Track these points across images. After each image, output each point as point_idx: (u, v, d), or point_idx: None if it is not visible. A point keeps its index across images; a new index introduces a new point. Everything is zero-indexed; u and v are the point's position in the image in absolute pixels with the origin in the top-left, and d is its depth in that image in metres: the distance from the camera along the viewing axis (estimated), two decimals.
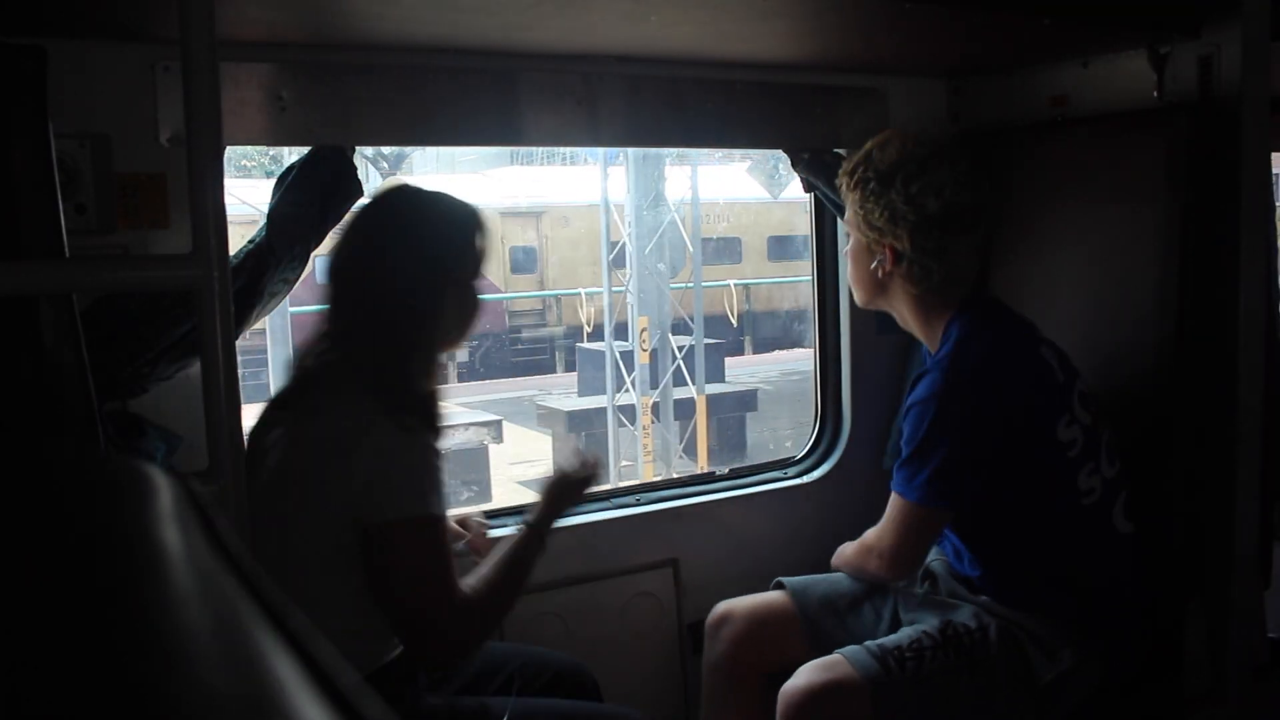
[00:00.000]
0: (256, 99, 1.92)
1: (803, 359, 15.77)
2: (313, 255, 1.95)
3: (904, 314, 2.05)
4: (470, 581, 1.65)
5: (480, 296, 1.73)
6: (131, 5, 1.67)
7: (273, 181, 2.05)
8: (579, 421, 12.31)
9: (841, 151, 2.53)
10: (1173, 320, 2.11)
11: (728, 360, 15.58)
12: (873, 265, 1.98)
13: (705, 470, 10.06)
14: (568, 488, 1.79)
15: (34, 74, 1.44)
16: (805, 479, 2.67)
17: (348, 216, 1.71)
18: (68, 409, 1.47)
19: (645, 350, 11.12)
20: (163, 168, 1.85)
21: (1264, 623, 2.31)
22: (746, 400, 13.30)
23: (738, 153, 14.35)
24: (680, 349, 12.16)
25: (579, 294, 11.96)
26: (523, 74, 2.16)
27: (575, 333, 12.30)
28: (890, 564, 1.97)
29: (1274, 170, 2.38)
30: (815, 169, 2.53)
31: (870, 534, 2.03)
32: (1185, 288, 2.11)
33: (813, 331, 2.79)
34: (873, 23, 2.13)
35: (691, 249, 11.53)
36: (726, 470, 2.74)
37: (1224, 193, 2.09)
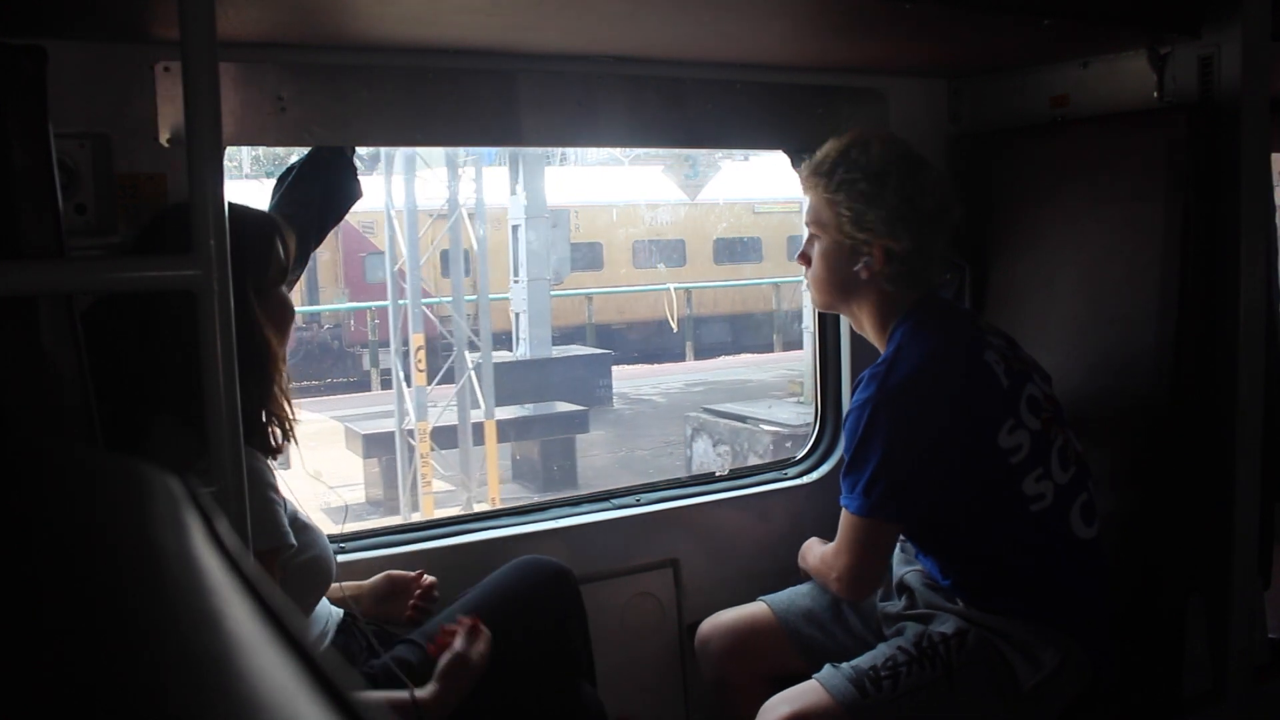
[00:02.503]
0: (256, 99, 1.92)
1: (747, 365, 15.26)
2: (313, 255, 1.96)
3: (865, 317, 2.02)
4: None
5: (288, 303, 1.69)
6: (131, 5, 1.67)
7: (272, 182, 2.05)
8: (376, 446, 11.00)
9: None
10: (1173, 320, 2.11)
11: (640, 369, 15.01)
12: (856, 267, 1.95)
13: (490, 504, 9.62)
14: (465, 672, 1.66)
15: (34, 74, 1.45)
16: (805, 479, 2.67)
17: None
18: (68, 409, 1.47)
19: (421, 370, 10.36)
20: (163, 168, 1.85)
21: (1264, 623, 2.31)
22: (574, 421, 11.79)
23: (652, 153, 14.03)
24: (579, 358, 11.73)
25: (508, 299, 11.71)
26: (523, 74, 2.16)
27: (504, 339, 11.91)
28: (848, 585, 1.94)
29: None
30: None
31: (828, 551, 2.00)
32: (1185, 288, 2.11)
33: (813, 331, 2.80)
34: (873, 23, 2.12)
35: (476, 247, 10.78)
36: (727, 470, 2.74)
37: (1224, 193, 2.09)
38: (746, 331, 17.01)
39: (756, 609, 2.16)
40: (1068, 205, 2.37)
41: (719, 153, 14.35)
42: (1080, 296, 2.32)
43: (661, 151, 12.91)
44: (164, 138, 1.84)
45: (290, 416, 1.64)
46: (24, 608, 0.36)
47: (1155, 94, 2.21)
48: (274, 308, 1.65)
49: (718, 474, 2.74)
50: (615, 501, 2.49)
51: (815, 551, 2.10)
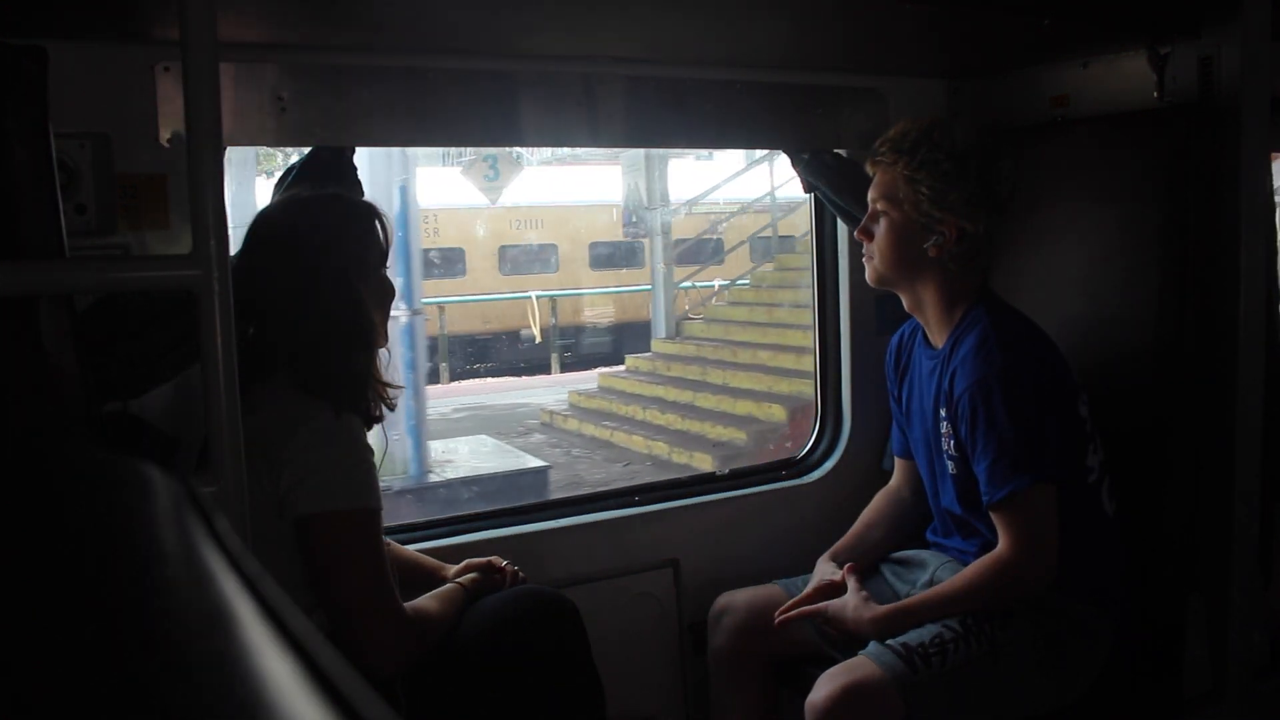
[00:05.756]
0: (256, 99, 1.92)
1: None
2: None
3: (928, 296, 2.03)
4: (409, 603, 1.72)
5: (389, 283, 1.82)
6: (131, 5, 1.67)
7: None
8: None
9: (841, 152, 2.54)
10: (1173, 320, 2.12)
11: (487, 383, 13.65)
12: (926, 244, 1.98)
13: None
14: (490, 583, 1.95)
15: (34, 74, 1.44)
16: (805, 479, 2.67)
17: (250, 224, 1.78)
18: (67, 409, 1.47)
19: None
20: (163, 168, 1.85)
21: (1264, 623, 2.31)
22: None
23: (453, 154, 12.89)
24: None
25: None
26: (523, 75, 2.16)
27: None
28: (1046, 563, 1.87)
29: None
30: (815, 169, 2.53)
31: (999, 558, 1.89)
32: (1185, 288, 2.11)
33: (813, 331, 2.80)
34: (873, 23, 2.13)
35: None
36: (726, 470, 2.74)
37: (1224, 193, 2.09)
38: (630, 341, 14.73)
39: (771, 590, 2.20)
40: (1068, 205, 2.37)
41: (528, 152, 13.28)
42: (1080, 296, 2.32)
43: (469, 151, 12.04)
44: (164, 138, 1.84)
45: (390, 387, 1.78)
46: (25, 606, 0.36)
47: (1155, 94, 2.21)
48: (377, 288, 1.78)
49: (717, 474, 2.74)
50: (615, 501, 2.49)
51: (954, 592, 1.94)
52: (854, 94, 2.54)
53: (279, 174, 2.05)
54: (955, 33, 2.22)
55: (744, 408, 9.14)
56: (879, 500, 2.31)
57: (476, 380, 14.35)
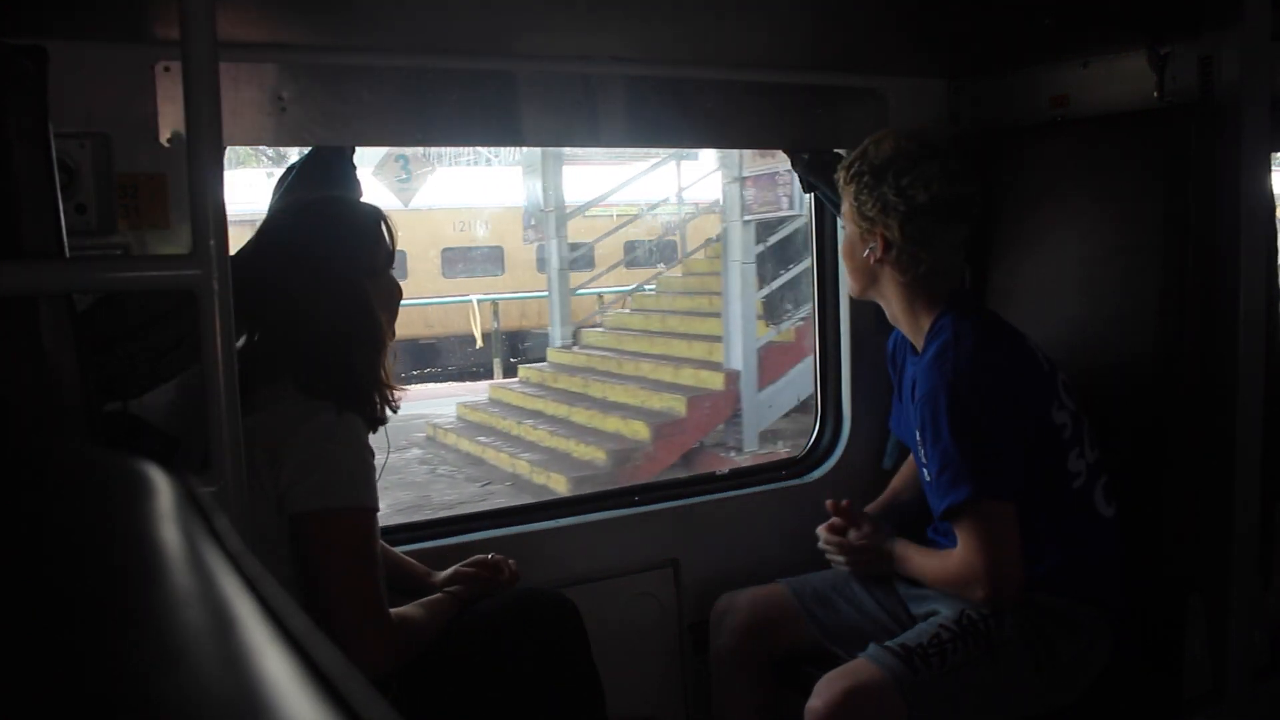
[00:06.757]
0: (256, 99, 1.92)
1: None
2: None
3: (893, 305, 2.09)
4: (395, 609, 1.71)
5: (396, 284, 1.83)
6: (132, 5, 1.67)
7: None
8: None
9: (841, 152, 2.54)
10: (1173, 320, 2.12)
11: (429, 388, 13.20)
12: (864, 253, 2.05)
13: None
14: (485, 581, 1.93)
15: (34, 74, 1.45)
16: (805, 479, 2.68)
17: (260, 226, 1.80)
18: (67, 409, 1.47)
19: None
20: (163, 168, 1.85)
21: (1265, 623, 2.31)
22: None
23: (364, 156, 12.71)
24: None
25: None
26: (522, 74, 2.16)
27: None
28: (997, 584, 1.88)
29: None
30: (815, 169, 2.53)
31: (950, 561, 1.94)
32: (1185, 288, 2.11)
33: (812, 332, 2.80)
34: (873, 23, 2.13)
35: None
36: (726, 470, 2.74)
37: (1224, 193, 2.09)
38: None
39: (775, 589, 2.21)
40: (1068, 205, 2.37)
41: (434, 154, 12.75)
42: (1080, 296, 2.32)
43: (380, 151, 11.67)
44: (164, 138, 1.84)
45: (394, 390, 1.78)
46: (25, 607, 0.36)
47: (1155, 94, 2.21)
48: (384, 289, 1.79)
49: (718, 473, 2.75)
50: (615, 501, 2.49)
51: (928, 564, 2.01)
52: (854, 94, 2.55)
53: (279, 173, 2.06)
54: (955, 33, 2.23)
55: (612, 424, 8.63)
56: (908, 469, 2.34)
57: (416, 385, 13.74)
